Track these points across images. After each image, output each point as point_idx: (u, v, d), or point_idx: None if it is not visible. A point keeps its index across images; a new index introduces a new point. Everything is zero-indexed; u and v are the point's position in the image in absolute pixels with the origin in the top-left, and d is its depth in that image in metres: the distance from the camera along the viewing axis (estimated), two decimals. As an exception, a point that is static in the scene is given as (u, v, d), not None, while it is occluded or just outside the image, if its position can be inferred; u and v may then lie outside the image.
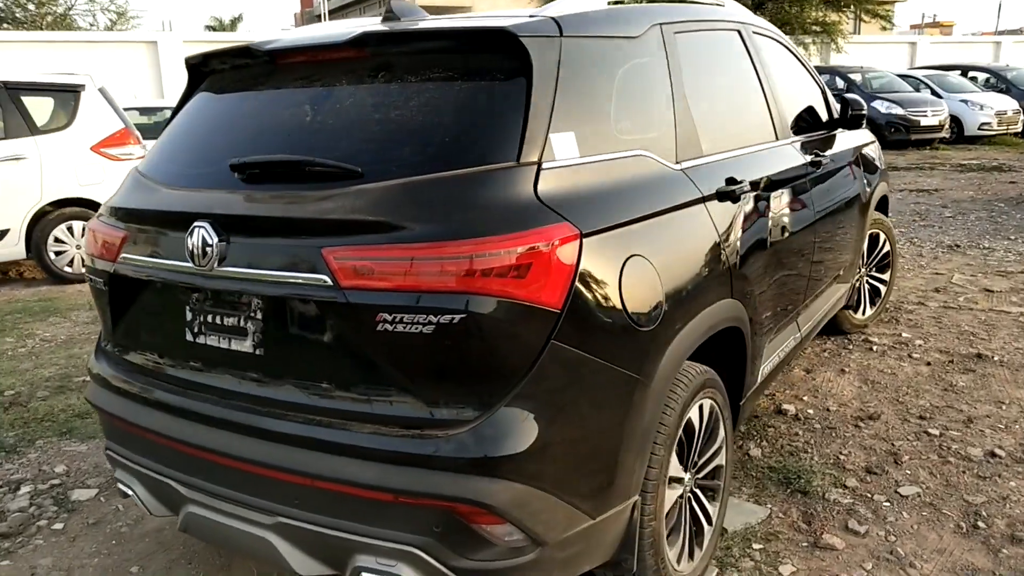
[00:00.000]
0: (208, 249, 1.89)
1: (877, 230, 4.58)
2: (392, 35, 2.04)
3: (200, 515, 2.07)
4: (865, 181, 4.12)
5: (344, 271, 1.72)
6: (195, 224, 1.91)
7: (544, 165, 1.84)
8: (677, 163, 2.33)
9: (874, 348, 4.40)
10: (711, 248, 2.32)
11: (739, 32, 3.11)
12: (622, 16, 2.34)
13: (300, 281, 1.79)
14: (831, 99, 3.93)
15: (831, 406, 3.68)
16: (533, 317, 1.73)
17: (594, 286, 1.84)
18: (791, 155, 3.15)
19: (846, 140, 3.94)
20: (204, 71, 2.47)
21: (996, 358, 4.20)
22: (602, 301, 1.86)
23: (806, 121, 3.66)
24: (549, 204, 1.80)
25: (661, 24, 2.49)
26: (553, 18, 2.07)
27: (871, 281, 4.71)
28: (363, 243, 1.73)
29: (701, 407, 2.35)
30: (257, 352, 1.94)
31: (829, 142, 3.72)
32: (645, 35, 2.38)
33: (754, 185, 2.65)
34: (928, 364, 4.15)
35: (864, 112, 3.82)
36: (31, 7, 26.41)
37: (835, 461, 3.16)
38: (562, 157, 1.90)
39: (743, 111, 3.00)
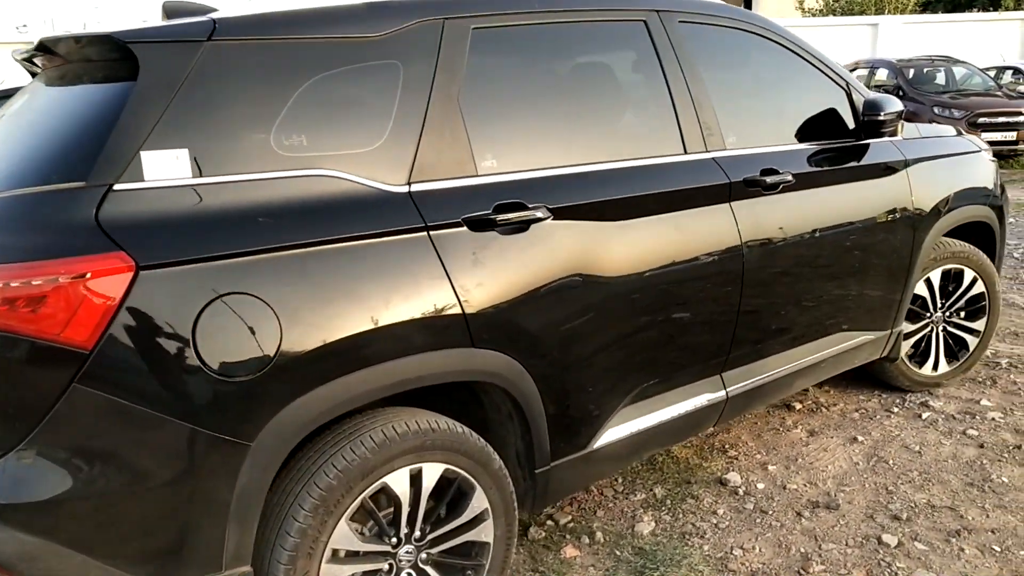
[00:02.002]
0: None
1: (959, 265, 3.58)
2: (52, 42, 1.95)
3: None
4: (918, 201, 3.23)
5: None
6: None
7: (120, 187, 1.65)
8: (406, 184, 1.98)
9: (924, 416, 3.46)
10: (425, 287, 1.94)
11: (646, 23, 2.57)
12: (356, 13, 2.03)
13: None
14: (862, 100, 3.11)
15: (794, 484, 2.96)
16: (48, 355, 1.57)
17: (150, 326, 1.62)
18: (699, 171, 2.55)
19: (874, 151, 3.11)
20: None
21: (1091, 451, 3.11)
22: (162, 344, 1.63)
23: (809, 127, 2.97)
24: (108, 231, 1.61)
25: (445, 19, 2.13)
26: (214, 20, 1.85)
27: (953, 330, 3.71)
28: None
29: (418, 472, 2.00)
30: None
31: (833, 153, 2.97)
32: (397, 34, 2.04)
33: (566, 211, 2.18)
34: (981, 447, 3.18)
35: (883, 116, 2.98)
36: None
37: (723, 556, 2.54)
38: (156, 177, 1.69)
39: (606, 119, 2.47)
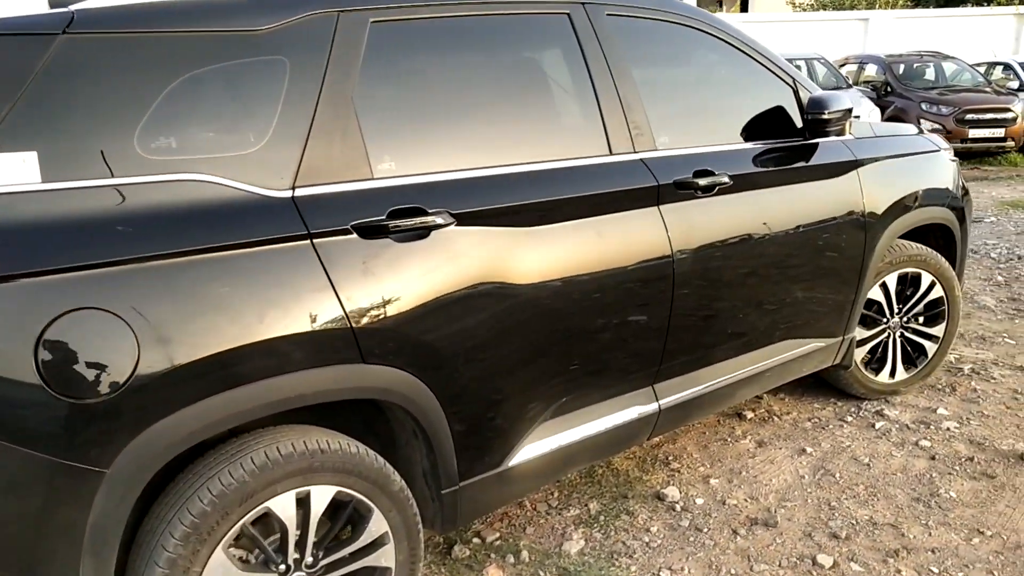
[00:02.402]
0: None
1: (916, 269, 3.46)
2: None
3: None
4: (870, 203, 3.10)
5: None
6: None
7: (-53, 194, 1.53)
8: (290, 189, 1.86)
9: (877, 425, 3.34)
10: (306, 299, 1.81)
11: (569, 16, 2.44)
12: (238, 6, 1.90)
13: None
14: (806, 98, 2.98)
15: (734, 499, 2.84)
16: None
17: (-19, 344, 1.49)
18: (625, 173, 2.42)
19: (822, 151, 2.98)
20: None
21: (1045, 464, 2.99)
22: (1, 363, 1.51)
23: (752, 126, 2.85)
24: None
25: (340, 11, 2.00)
26: (73, 11, 1.72)
27: (911, 336, 3.58)
28: None
29: (306, 495, 1.87)
30: None
31: (776, 154, 2.84)
32: (284, 28, 1.91)
33: (472, 216, 2.06)
34: (932, 459, 3.06)
35: (828, 115, 2.85)
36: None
37: (650, 577, 2.42)
38: (-1, 183, 1.56)
39: (522, 119, 2.33)
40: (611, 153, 2.43)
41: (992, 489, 2.84)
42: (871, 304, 3.43)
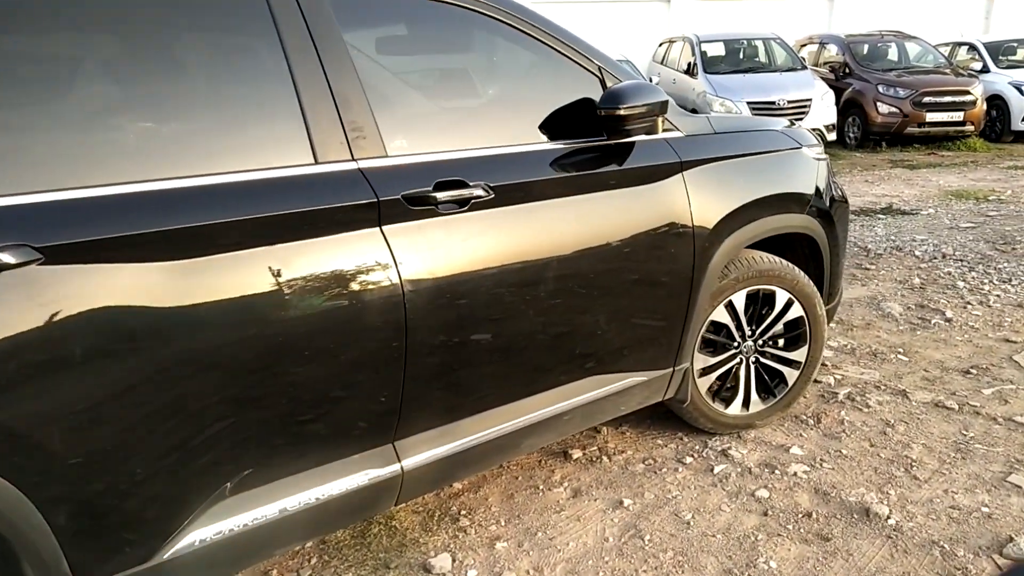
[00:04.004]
0: None
1: (768, 285, 2.99)
2: None
3: None
4: (700, 211, 2.63)
5: None
6: None
7: None
8: None
9: (717, 470, 2.88)
10: None
11: (264, -9, 1.93)
12: None
13: None
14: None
15: (513, 572, 2.38)
16: None
17: None
18: (330, 187, 1.93)
19: (634, 152, 2.50)
20: None
21: (893, 519, 2.53)
22: None
23: (546, 125, 2.38)
24: None
25: None
26: None
27: (768, 361, 3.12)
28: None
29: None
30: None
31: (566, 157, 2.36)
32: None
33: (68, 251, 1.57)
34: (765, 514, 2.61)
35: (624, 110, 2.35)
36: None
37: None
38: None
39: (168, 119, 1.84)
40: (316, 162, 1.94)
41: (822, 556, 2.39)
42: (719, 327, 2.97)
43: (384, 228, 1.99)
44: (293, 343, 1.87)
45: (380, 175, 2.01)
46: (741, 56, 12.92)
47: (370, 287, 1.96)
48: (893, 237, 6.26)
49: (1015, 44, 13.60)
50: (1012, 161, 10.40)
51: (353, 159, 1.99)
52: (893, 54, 13.45)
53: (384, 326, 2.00)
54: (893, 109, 11.57)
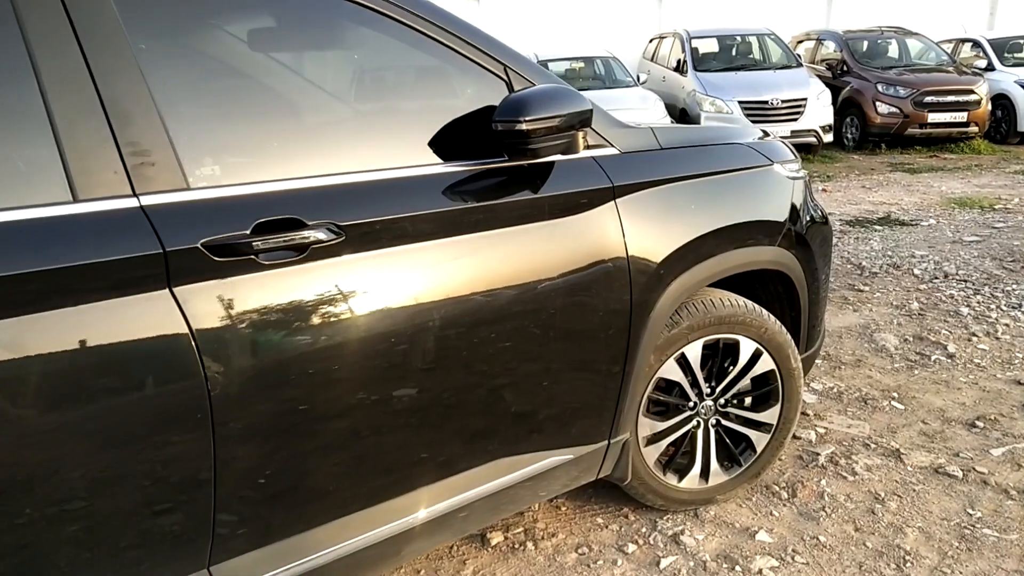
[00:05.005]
0: None
1: (730, 334, 2.44)
2: None
3: None
4: (638, 246, 2.09)
5: None
6: None
7: None
8: None
9: (663, 563, 2.34)
10: None
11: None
12: None
13: None
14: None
15: None
16: None
17: None
18: (88, 233, 1.39)
19: (551, 175, 1.96)
20: None
21: (880, 647, 1.99)
22: None
23: (435, 143, 1.84)
24: None
25: None
26: None
27: (732, 424, 2.57)
28: None
29: None
30: None
31: (454, 183, 1.82)
32: None
33: None
34: (719, 632, 2.07)
35: (529, 126, 1.78)
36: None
37: None
38: None
39: None
40: (75, 199, 1.39)
41: None
42: (671, 386, 2.43)
43: (175, 289, 1.44)
44: (29, 448, 1.33)
45: (172, 215, 1.46)
46: (734, 53, 12.34)
47: (154, 373, 1.42)
48: (890, 252, 5.71)
49: (1021, 41, 13.01)
50: (1019, 165, 9.83)
51: (134, 194, 1.44)
52: (893, 51, 12.86)
53: (178, 424, 1.46)
54: (893, 109, 11.00)
